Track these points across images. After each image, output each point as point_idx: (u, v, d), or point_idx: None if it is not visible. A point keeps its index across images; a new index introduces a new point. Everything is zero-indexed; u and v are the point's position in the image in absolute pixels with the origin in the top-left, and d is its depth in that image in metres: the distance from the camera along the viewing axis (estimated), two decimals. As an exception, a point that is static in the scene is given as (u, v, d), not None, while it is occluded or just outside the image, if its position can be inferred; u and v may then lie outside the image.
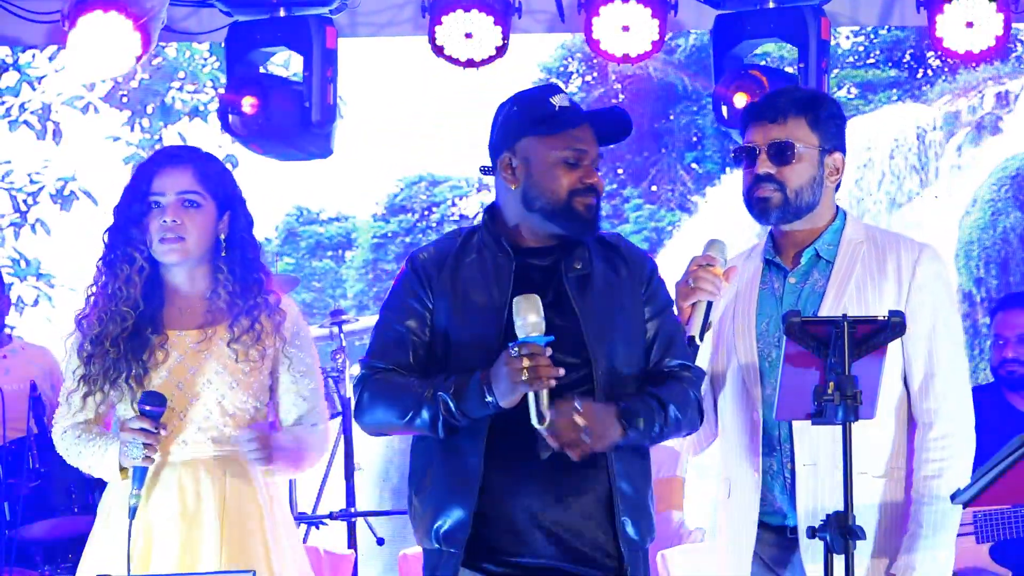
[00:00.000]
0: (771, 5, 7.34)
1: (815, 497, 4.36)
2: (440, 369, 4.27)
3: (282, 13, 7.40)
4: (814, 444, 4.38)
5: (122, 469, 4.58)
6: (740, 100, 7.33)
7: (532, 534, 4.21)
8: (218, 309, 4.64)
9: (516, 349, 4.06)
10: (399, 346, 4.30)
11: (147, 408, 4.49)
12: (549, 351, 4.07)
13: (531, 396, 4.04)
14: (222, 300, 4.62)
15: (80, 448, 4.68)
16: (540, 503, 4.21)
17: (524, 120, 4.32)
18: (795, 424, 4.37)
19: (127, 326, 4.59)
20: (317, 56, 7.37)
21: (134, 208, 4.64)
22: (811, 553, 4.31)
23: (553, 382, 4.05)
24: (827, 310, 4.40)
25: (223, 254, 4.64)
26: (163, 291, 4.68)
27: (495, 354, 4.16)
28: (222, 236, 4.65)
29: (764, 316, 4.51)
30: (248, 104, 7.39)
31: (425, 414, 4.19)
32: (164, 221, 4.58)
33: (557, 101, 4.33)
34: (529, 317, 4.09)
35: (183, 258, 4.61)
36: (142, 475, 4.51)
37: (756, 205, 4.50)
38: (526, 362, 4.05)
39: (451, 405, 4.16)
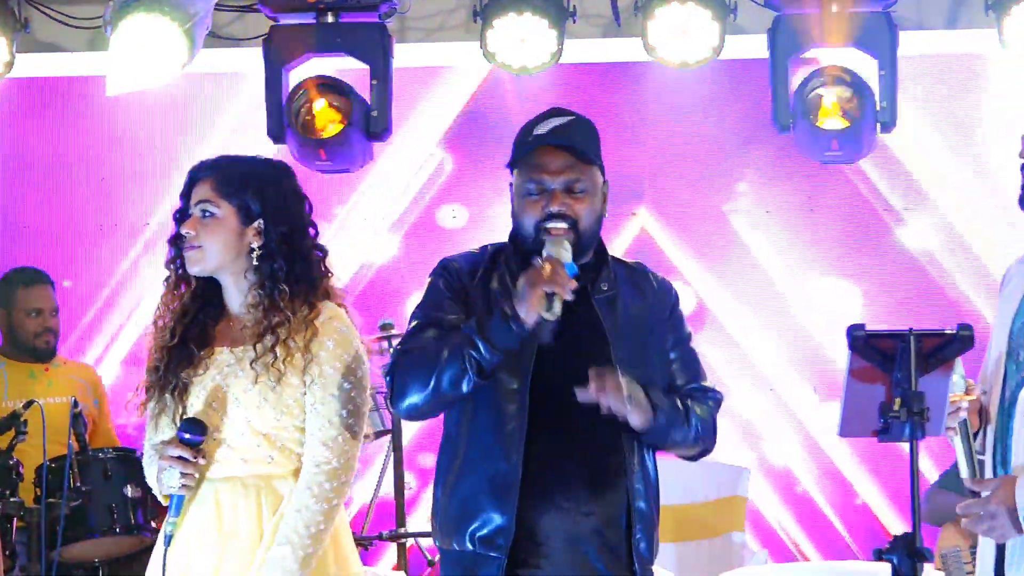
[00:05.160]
0: (834, 9, 7.12)
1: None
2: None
3: (331, 19, 7.27)
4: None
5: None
6: (830, 97, 7.20)
7: (551, 546, 4.23)
8: (253, 324, 4.52)
9: (541, 260, 4.11)
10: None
11: (186, 436, 4.43)
12: (573, 284, 4.10)
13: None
14: (250, 316, 4.52)
15: (146, 468, 4.60)
16: (562, 516, 4.23)
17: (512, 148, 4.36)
18: (1017, 428, 4.19)
19: (174, 333, 4.54)
20: (384, 65, 7.29)
21: (178, 222, 4.62)
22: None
23: (570, 292, 4.06)
24: None
25: (255, 264, 4.52)
26: (220, 307, 4.62)
27: (522, 366, 4.22)
28: (254, 246, 4.52)
29: (1022, 315, 4.30)
30: (321, 105, 7.26)
31: (449, 355, 4.17)
32: (187, 233, 4.54)
33: (540, 128, 4.31)
34: (560, 250, 4.14)
35: (200, 267, 4.52)
36: (179, 503, 4.45)
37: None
38: (548, 267, 4.09)
39: (474, 336, 4.15)
